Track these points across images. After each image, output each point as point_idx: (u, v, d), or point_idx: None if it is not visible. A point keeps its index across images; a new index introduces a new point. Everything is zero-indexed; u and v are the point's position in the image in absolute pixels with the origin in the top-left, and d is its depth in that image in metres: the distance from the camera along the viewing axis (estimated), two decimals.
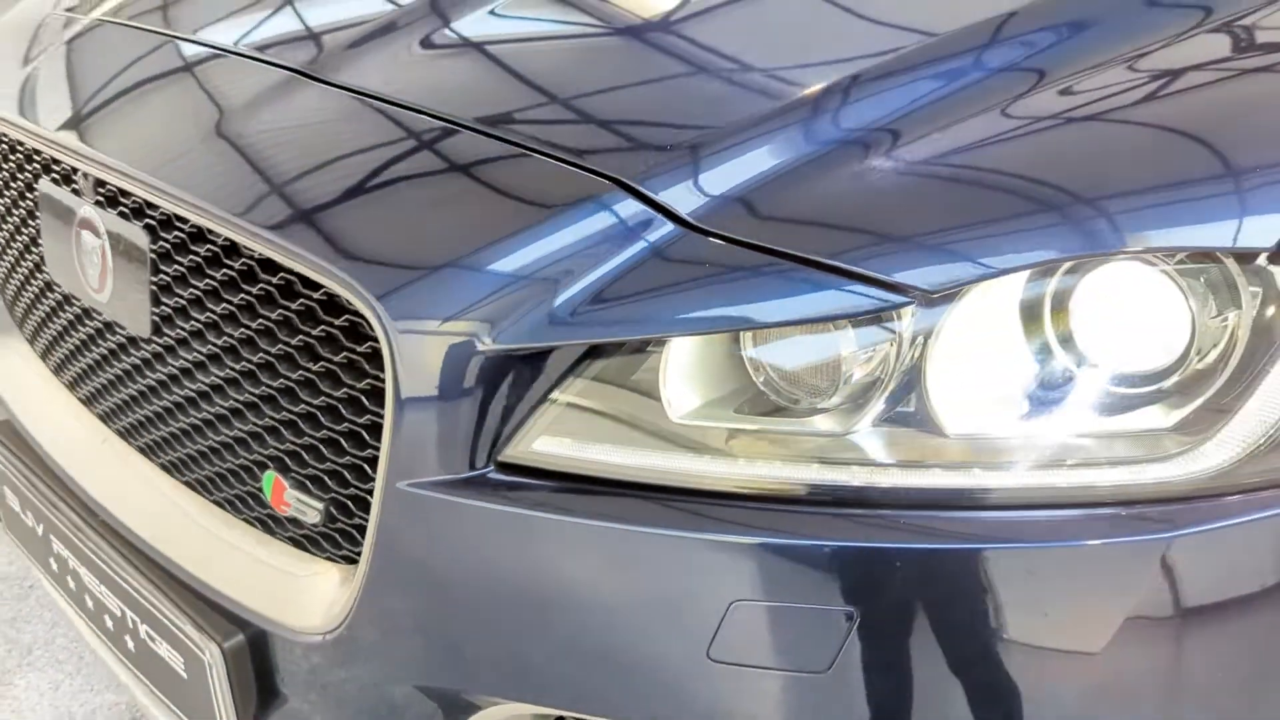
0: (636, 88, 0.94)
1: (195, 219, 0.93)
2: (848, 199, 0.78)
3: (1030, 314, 0.77)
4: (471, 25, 1.06)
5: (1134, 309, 0.77)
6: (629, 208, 0.80)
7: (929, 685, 0.75)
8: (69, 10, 1.34)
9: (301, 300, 0.88)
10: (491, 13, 1.07)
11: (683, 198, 0.80)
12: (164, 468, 1.11)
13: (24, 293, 1.29)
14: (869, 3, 1.03)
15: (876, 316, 0.76)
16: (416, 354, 0.79)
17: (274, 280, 0.90)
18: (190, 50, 1.15)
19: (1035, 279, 0.77)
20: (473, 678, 0.86)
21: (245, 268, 0.92)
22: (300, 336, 0.89)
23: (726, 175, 0.80)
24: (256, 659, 0.98)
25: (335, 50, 1.06)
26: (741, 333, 0.80)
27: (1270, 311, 0.75)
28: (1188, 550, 0.73)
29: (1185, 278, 0.76)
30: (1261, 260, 0.75)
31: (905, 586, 0.73)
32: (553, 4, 1.12)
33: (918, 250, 0.74)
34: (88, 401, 1.21)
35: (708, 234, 0.78)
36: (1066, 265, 0.76)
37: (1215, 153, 0.77)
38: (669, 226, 0.79)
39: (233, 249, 0.93)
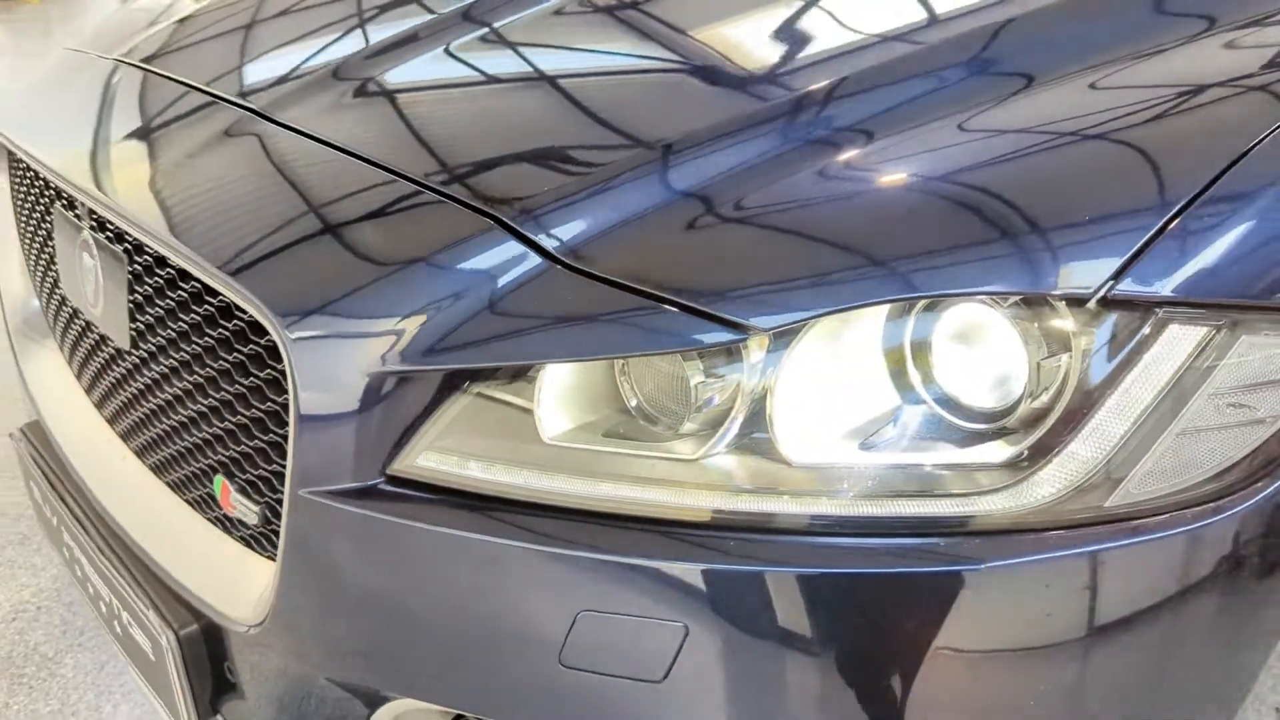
0: (523, 134, 1.01)
1: (148, 243, 1.04)
2: (698, 242, 0.84)
3: (870, 352, 0.81)
4: (393, 77, 1.16)
5: (971, 350, 0.80)
6: (505, 244, 0.86)
7: (756, 698, 0.79)
8: (101, 49, 1.48)
9: (234, 322, 0.97)
10: (406, 65, 1.17)
11: (552, 235, 0.86)
12: (151, 469, 1.22)
13: (51, 303, 1.42)
14: (719, 73, 1.07)
15: (725, 350, 0.81)
16: (313, 375, 0.87)
17: (214, 304, 0.99)
18: (161, 89, 1.27)
19: (878, 318, 0.81)
20: (371, 673, 0.93)
21: (192, 291, 1.02)
22: (234, 355, 0.98)
23: (593, 216, 0.86)
24: (211, 647, 1.08)
25: (276, 96, 1.16)
26: (615, 360, 0.86)
27: (1099, 354, 0.77)
28: (1002, 580, 0.76)
29: (1021, 321, 0.79)
30: (1091, 305, 0.77)
31: (732, 604, 0.78)
32: (454, 61, 1.20)
33: (756, 291, 0.79)
34: (97, 405, 1.33)
35: (572, 269, 0.84)
36: (905, 305, 0.80)
37: (1044, 200, 0.79)
38: (539, 261, 0.85)
39: (183, 275, 1.03)
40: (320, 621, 0.95)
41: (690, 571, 0.78)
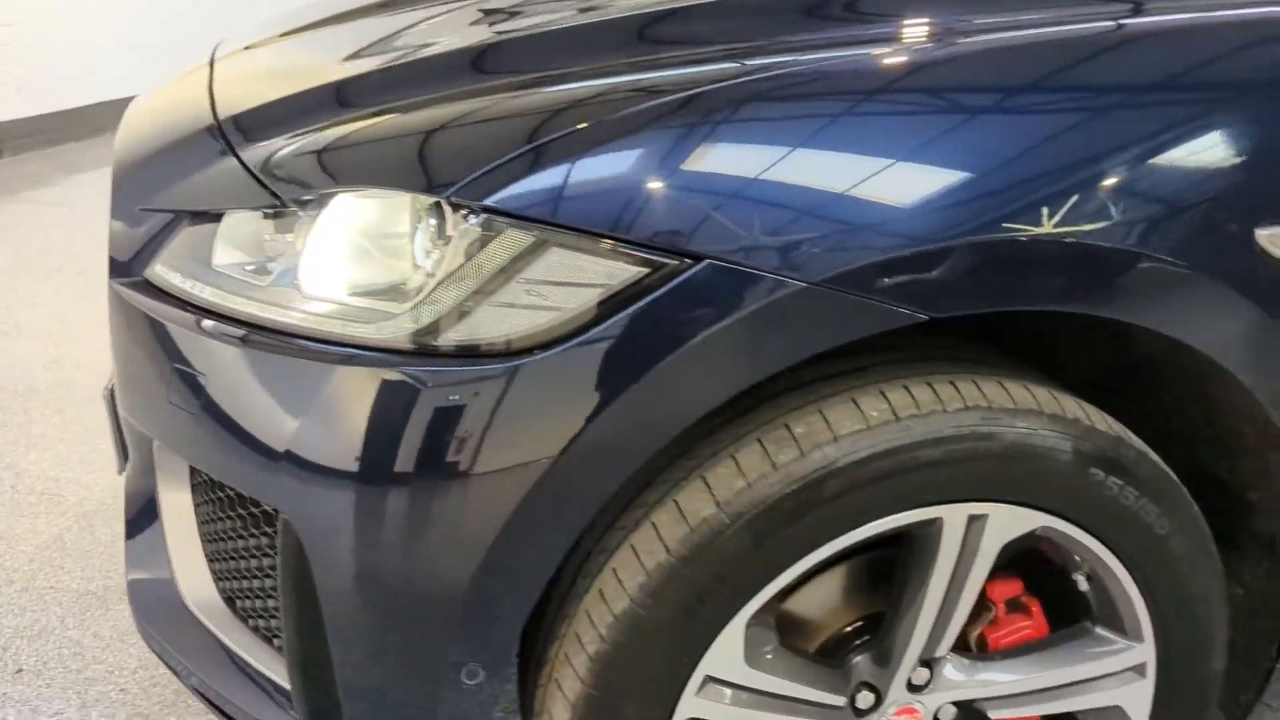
0: None
1: None
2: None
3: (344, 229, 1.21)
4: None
5: (381, 231, 1.18)
6: None
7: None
8: None
9: None
10: None
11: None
12: None
13: None
14: None
15: (277, 214, 1.25)
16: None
17: None
18: None
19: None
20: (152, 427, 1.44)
21: None
22: None
23: None
24: None
25: None
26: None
27: (458, 243, 1.13)
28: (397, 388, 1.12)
29: (423, 210, 1.15)
30: (453, 199, 1.12)
31: (272, 379, 1.20)
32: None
33: (294, 172, 1.23)
34: None
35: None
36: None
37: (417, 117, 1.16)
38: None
39: None
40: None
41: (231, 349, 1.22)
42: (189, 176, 1.35)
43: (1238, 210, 1.18)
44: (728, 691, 1.26)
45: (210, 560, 1.49)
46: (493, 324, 1.10)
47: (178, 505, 1.51)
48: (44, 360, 3.44)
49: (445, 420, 1.09)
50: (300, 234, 1.22)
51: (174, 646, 1.49)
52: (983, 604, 1.43)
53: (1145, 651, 1.38)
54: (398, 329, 1.13)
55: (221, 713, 1.48)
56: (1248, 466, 1.42)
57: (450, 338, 1.10)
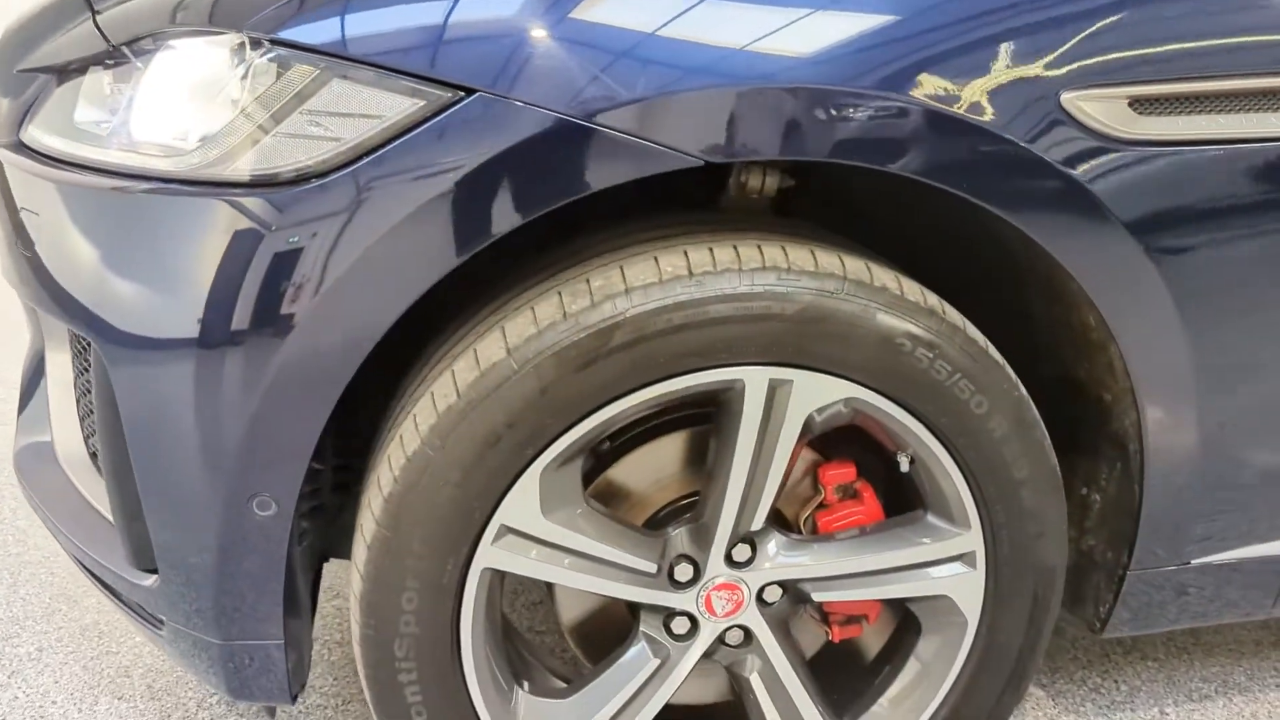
0: None
1: None
2: None
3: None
4: None
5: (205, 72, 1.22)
6: None
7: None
8: None
9: None
10: None
11: None
12: None
13: None
14: None
15: (116, 63, 1.30)
16: None
17: None
18: None
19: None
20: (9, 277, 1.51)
21: None
22: None
23: None
24: None
25: None
26: None
27: (255, 79, 1.16)
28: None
29: (232, 50, 1.19)
30: (250, 34, 1.16)
31: (88, 213, 1.26)
32: None
33: (127, 18, 1.28)
34: None
35: None
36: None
37: None
38: None
39: None
40: None
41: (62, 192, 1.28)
42: (56, 36, 1.42)
43: (1044, 73, 1.17)
44: (530, 545, 1.27)
45: (81, 418, 1.55)
46: (281, 154, 1.13)
47: (58, 365, 1.57)
48: None
49: (233, 248, 1.13)
50: (133, 83, 1.27)
51: (48, 507, 1.55)
52: (814, 488, 1.43)
53: (973, 540, 1.36)
54: (192, 161, 1.17)
55: (94, 576, 1.54)
56: (1099, 363, 1.40)
57: (240, 168, 1.14)
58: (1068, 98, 1.18)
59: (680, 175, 1.54)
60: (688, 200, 1.48)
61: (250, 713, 1.79)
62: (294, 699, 1.39)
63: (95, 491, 1.51)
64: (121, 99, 1.27)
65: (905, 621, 1.50)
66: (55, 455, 1.58)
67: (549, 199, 1.13)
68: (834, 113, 1.13)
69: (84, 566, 1.54)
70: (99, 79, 1.33)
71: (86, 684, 1.84)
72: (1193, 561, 1.48)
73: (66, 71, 1.37)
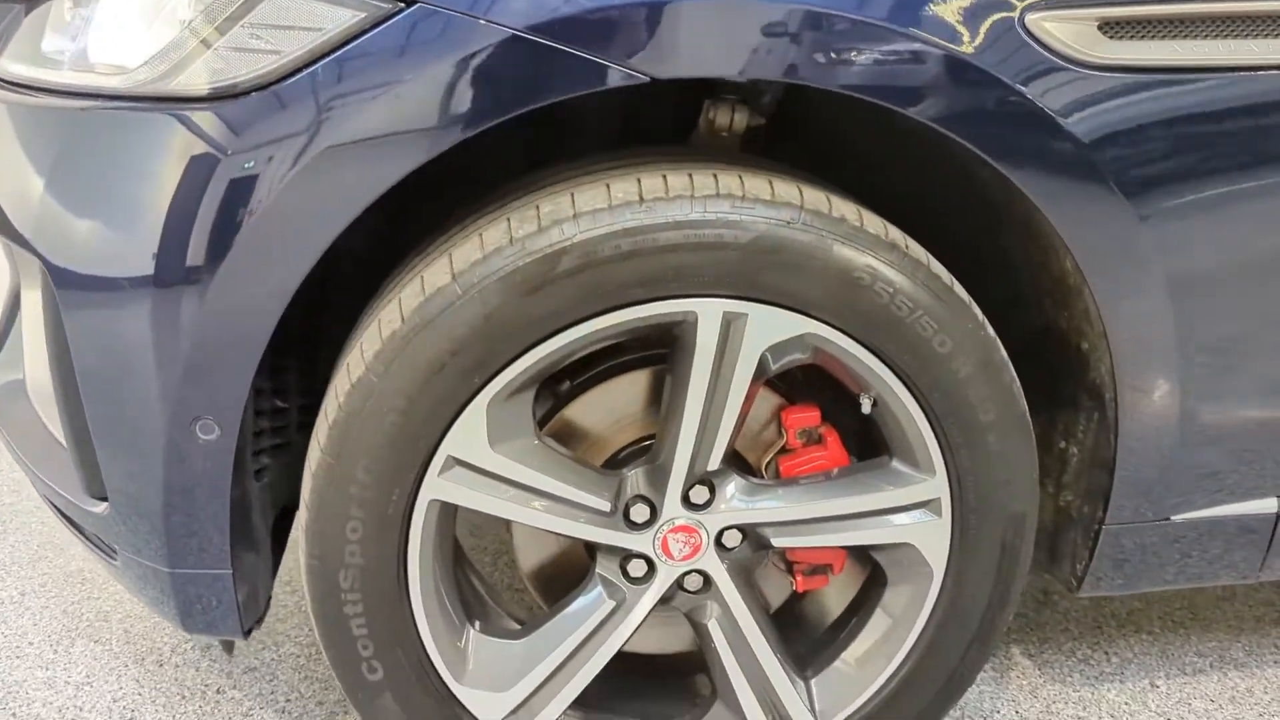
0: None
1: None
2: None
3: None
4: None
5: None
6: None
7: None
8: None
9: None
10: None
11: None
12: None
13: None
14: None
15: None
16: None
17: None
18: None
19: None
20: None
21: None
22: None
23: None
24: None
25: None
26: None
27: None
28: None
29: None
30: None
31: (38, 135, 1.25)
32: None
33: None
34: None
35: None
36: None
37: None
38: None
39: None
40: None
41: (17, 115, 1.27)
42: None
43: None
44: (478, 477, 1.25)
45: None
46: (223, 69, 1.12)
47: (31, 302, 1.57)
48: None
49: (175, 163, 1.12)
50: (91, 5, 1.27)
51: (17, 443, 1.55)
52: (779, 432, 1.40)
53: (937, 486, 1.32)
54: (138, 77, 1.16)
55: (60, 512, 1.54)
56: (1077, 309, 1.35)
57: (183, 82, 1.13)
58: (1033, 19, 1.14)
59: (654, 116, 1.52)
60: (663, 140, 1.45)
61: (224, 659, 1.78)
62: (247, 634, 1.38)
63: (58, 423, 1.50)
64: (80, 23, 1.27)
65: (873, 575, 1.46)
66: (26, 391, 1.58)
67: (492, 113, 1.11)
68: (782, 30, 1.10)
69: (52, 504, 1.53)
70: (61, 5, 1.32)
71: (65, 627, 1.84)
72: (1174, 517, 1.42)
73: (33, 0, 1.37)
